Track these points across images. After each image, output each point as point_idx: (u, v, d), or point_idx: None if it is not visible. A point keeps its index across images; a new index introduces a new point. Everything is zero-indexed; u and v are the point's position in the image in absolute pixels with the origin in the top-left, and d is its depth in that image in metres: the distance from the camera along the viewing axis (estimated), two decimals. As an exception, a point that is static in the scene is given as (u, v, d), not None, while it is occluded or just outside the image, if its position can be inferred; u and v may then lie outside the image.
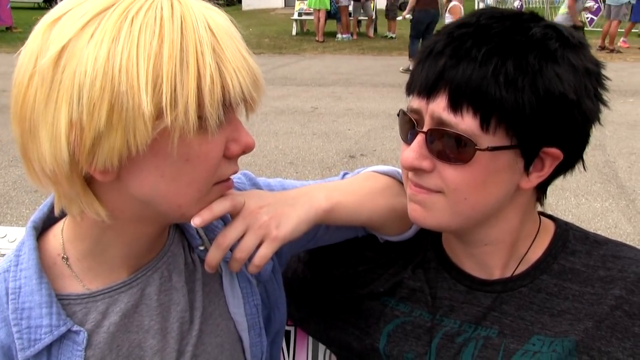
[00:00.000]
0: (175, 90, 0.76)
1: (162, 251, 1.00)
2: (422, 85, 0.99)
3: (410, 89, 1.04)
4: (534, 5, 22.05)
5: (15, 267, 0.93)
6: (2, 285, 0.92)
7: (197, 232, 1.04)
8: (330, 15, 17.16)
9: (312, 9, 17.10)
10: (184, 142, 0.80)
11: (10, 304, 0.90)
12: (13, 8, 19.54)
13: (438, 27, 1.13)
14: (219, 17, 0.83)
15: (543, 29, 0.97)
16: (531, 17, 1.01)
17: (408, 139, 1.05)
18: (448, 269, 1.17)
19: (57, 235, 0.97)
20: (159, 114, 0.76)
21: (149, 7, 0.77)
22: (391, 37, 17.10)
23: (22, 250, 0.94)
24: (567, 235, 1.13)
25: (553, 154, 1.00)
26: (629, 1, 13.39)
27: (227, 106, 0.82)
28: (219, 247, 0.94)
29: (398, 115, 1.08)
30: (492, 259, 1.11)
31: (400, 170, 1.13)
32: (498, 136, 0.96)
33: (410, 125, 1.03)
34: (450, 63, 0.96)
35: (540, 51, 0.95)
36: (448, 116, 0.96)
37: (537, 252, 1.11)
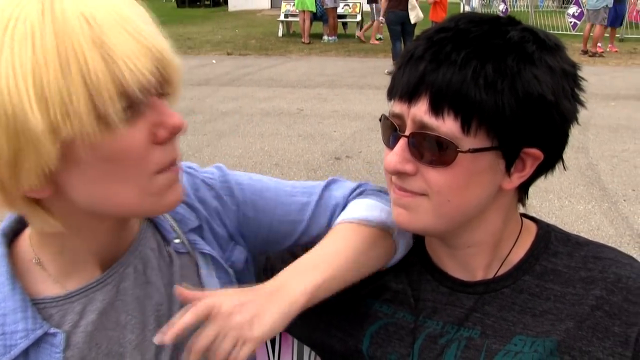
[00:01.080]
0: (62, 98, 0.72)
1: (133, 246, 0.99)
2: (403, 89, 1.01)
3: (391, 94, 1.05)
4: (518, 9, 22.27)
5: None
6: None
7: (171, 225, 1.04)
8: (315, 17, 17.20)
9: (298, 11, 17.13)
10: (96, 145, 0.76)
11: None
12: None
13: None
14: (103, 4, 0.76)
15: (520, 32, 0.99)
16: (509, 21, 1.03)
17: (390, 143, 1.06)
18: (431, 271, 1.18)
19: (27, 240, 0.96)
20: (54, 128, 0.73)
21: (18, 17, 0.72)
22: (379, 38, 17.16)
23: None
24: (549, 236, 1.15)
25: (533, 155, 1.02)
26: (607, 5, 13.55)
27: (132, 96, 0.76)
28: (195, 353, 0.88)
29: (380, 120, 1.09)
30: (474, 261, 1.13)
31: (389, 209, 1.12)
32: (479, 138, 0.97)
33: (392, 129, 1.04)
34: (430, 67, 0.97)
35: (518, 54, 0.97)
36: (429, 119, 0.97)
37: (519, 253, 1.13)
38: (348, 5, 18.33)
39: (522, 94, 0.95)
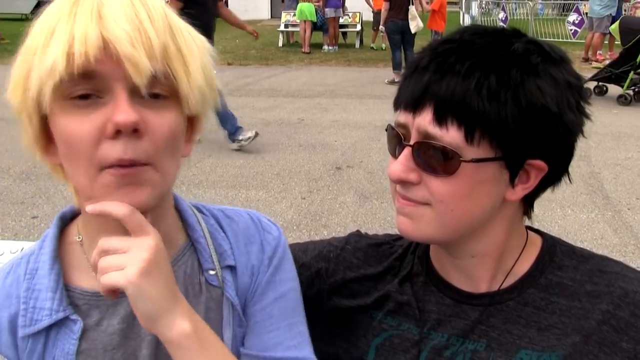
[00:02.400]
0: (30, 72, 0.84)
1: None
2: (408, 100, 1.02)
3: (397, 104, 1.06)
4: (518, 17, 22.32)
5: (39, 251, 1.00)
6: (24, 266, 1.00)
7: (212, 256, 1.05)
8: (316, 27, 17.27)
9: (298, 21, 17.19)
10: (56, 123, 0.85)
11: (25, 283, 0.97)
12: (0, 19, 19.45)
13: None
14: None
15: (525, 44, 1.00)
16: (513, 33, 1.04)
17: (395, 152, 1.07)
18: (435, 282, 1.17)
19: (76, 223, 1.04)
20: (36, 100, 0.85)
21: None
22: (381, 49, 17.21)
23: (47, 237, 1.02)
24: (554, 249, 1.14)
25: (537, 166, 1.02)
26: (610, 14, 13.60)
27: (81, 80, 0.82)
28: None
29: (386, 130, 1.10)
30: (479, 272, 1.12)
31: None
32: (482, 148, 0.98)
33: (397, 139, 1.05)
34: (434, 78, 0.98)
35: (522, 65, 0.97)
36: (433, 129, 0.98)
37: (524, 265, 1.12)
38: (348, 15, 18.40)
39: (525, 105, 0.96)
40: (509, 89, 0.95)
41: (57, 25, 0.83)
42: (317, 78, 12.96)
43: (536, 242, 1.16)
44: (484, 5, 23.89)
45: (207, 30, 6.85)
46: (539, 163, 1.02)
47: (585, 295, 1.07)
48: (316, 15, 16.87)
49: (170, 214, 1.05)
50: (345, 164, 7.02)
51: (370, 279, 1.22)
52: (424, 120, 0.99)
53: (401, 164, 1.02)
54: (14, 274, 1.00)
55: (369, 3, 18.13)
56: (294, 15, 17.60)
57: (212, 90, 0.95)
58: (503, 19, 20.65)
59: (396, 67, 12.13)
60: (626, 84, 9.96)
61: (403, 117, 1.03)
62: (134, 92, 0.84)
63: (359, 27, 18.48)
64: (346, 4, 18.00)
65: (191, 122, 0.98)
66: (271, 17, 26.48)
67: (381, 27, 13.08)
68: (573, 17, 18.58)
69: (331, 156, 7.33)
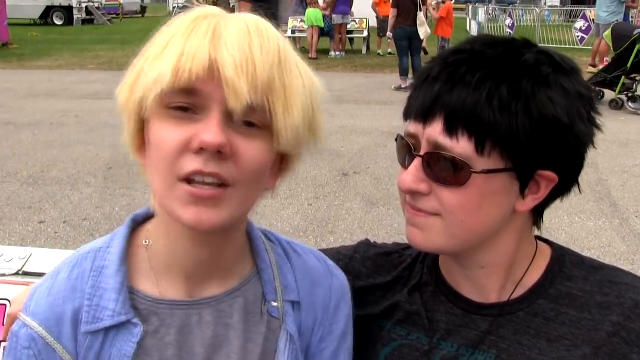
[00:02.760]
0: (139, 76, 0.88)
1: (230, 290, 1.02)
2: (418, 110, 1.02)
3: (407, 114, 1.06)
4: (525, 24, 22.32)
5: (106, 249, 1.01)
6: (91, 261, 1.00)
7: (276, 288, 1.05)
8: (323, 32, 17.32)
9: (305, 27, 17.24)
10: (151, 127, 0.88)
11: (91, 280, 0.98)
12: (10, 24, 19.61)
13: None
14: (239, 27, 0.87)
15: (536, 54, 1.00)
16: (524, 44, 1.03)
17: (405, 163, 1.06)
18: (445, 292, 1.17)
19: (147, 226, 1.05)
20: (137, 102, 0.88)
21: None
22: (389, 53, 17.23)
23: (116, 236, 1.03)
24: (563, 259, 1.14)
25: (548, 177, 1.02)
26: (617, 20, 13.57)
27: (182, 94, 0.84)
28: None
29: (396, 140, 1.10)
30: (488, 282, 1.12)
31: None
32: (493, 159, 0.98)
33: (407, 149, 1.05)
34: (445, 88, 0.98)
35: (533, 76, 0.97)
36: (444, 140, 0.98)
37: (533, 276, 1.12)
38: (355, 21, 18.44)
39: (536, 116, 0.95)
40: (520, 100, 0.95)
41: (173, 39, 0.86)
42: (324, 84, 12.96)
43: (545, 252, 1.15)
44: (490, 12, 23.91)
45: None
46: (550, 174, 1.02)
47: (595, 306, 1.06)
48: (324, 21, 16.92)
49: (240, 238, 1.04)
50: (352, 170, 7.02)
51: (380, 288, 1.22)
52: (435, 131, 0.99)
53: (411, 175, 1.02)
54: (80, 268, 1.00)
55: (375, 10, 18.16)
56: (301, 21, 17.65)
57: (311, 132, 0.95)
58: (510, 25, 20.65)
59: (403, 73, 12.13)
60: (618, 89, 10.13)
61: (413, 127, 1.03)
62: (228, 116, 0.85)
63: (365, 33, 18.51)
64: (353, 10, 18.04)
65: (282, 159, 0.98)
66: (278, 24, 26.55)
67: (389, 34, 13.10)
68: (580, 23, 18.57)
69: (338, 162, 7.33)
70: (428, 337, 1.14)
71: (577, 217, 5.51)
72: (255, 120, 0.86)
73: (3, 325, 1.25)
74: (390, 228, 5.23)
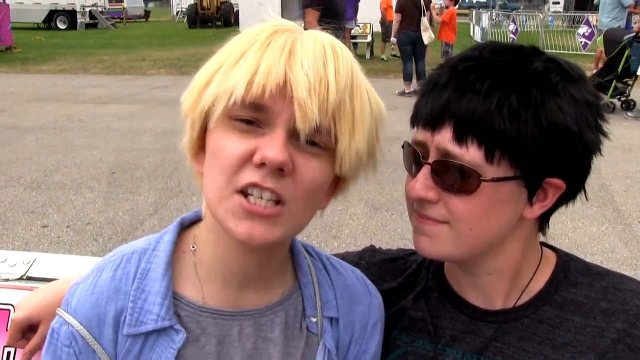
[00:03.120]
0: (208, 85, 0.87)
1: (272, 303, 1.01)
2: (427, 118, 1.01)
3: (415, 122, 1.06)
4: (529, 30, 22.32)
5: (152, 252, 1.00)
6: (135, 263, 0.99)
7: (316, 304, 1.05)
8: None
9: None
10: (213, 136, 0.88)
11: (136, 282, 0.97)
12: (13, 29, 19.69)
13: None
14: (315, 42, 0.86)
15: (544, 62, 1.00)
16: (533, 51, 1.03)
17: (413, 170, 1.06)
18: (450, 298, 1.17)
19: (195, 230, 1.04)
20: (204, 108, 0.87)
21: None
22: (395, 56, 17.22)
23: (163, 239, 1.02)
24: (568, 266, 1.13)
25: (556, 185, 1.02)
26: (620, 26, 13.56)
27: (251, 108, 0.83)
28: None
29: (403, 147, 1.10)
30: (494, 289, 1.12)
31: None
32: (502, 167, 0.98)
33: (415, 157, 1.05)
34: (454, 96, 0.98)
35: (543, 84, 0.97)
36: (453, 148, 0.98)
37: (539, 283, 1.12)
38: (359, 26, 18.46)
39: (546, 125, 0.95)
40: (529, 109, 0.95)
41: (249, 51, 0.85)
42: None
43: (551, 259, 1.15)
44: (494, 18, 23.93)
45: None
46: (558, 182, 1.02)
47: (600, 313, 1.06)
48: (329, 24, 16.93)
49: (286, 251, 1.04)
50: (355, 175, 7.01)
51: (385, 295, 1.22)
52: (444, 139, 0.99)
53: (420, 183, 1.02)
54: (124, 269, 0.99)
55: (383, 15, 18.16)
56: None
57: (371, 158, 0.94)
58: (513, 31, 20.65)
59: (407, 78, 12.14)
60: (610, 93, 10.25)
61: (421, 134, 1.03)
62: (293, 135, 0.84)
63: (369, 39, 18.53)
64: (357, 15, 18.07)
65: (339, 180, 0.96)
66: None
67: (393, 39, 13.10)
68: (583, 29, 18.57)
69: (341, 167, 7.32)
70: (433, 343, 1.14)
71: (580, 222, 5.50)
72: (319, 141, 0.86)
73: (7, 330, 1.25)
74: (394, 233, 5.23)
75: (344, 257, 1.32)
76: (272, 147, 0.82)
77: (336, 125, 0.85)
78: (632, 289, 1.08)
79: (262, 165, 0.82)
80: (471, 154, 0.97)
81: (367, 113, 0.89)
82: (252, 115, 0.84)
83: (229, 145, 0.85)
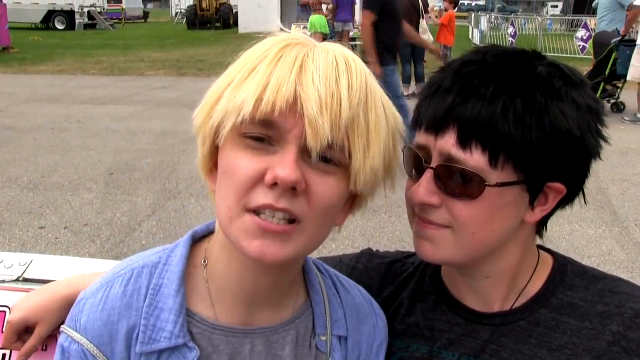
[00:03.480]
0: (218, 101, 0.85)
1: (284, 321, 1.01)
2: (430, 121, 1.01)
3: (416, 125, 1.05)
4: (527, 33, 22.36)
5: (164, 267, 0.98)
6: (147, 278, 0.97)
7: (326, 322, 1.04)
8: (325, 39, 17.34)
9: (309, 33, 17.26)
10: (223, 153, 0.86)
11: (148, 298, 0.95)
12: (11, 29, 19.67)
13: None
14: (327, 59, 0.84)
15: (547, 67, 1.01)
16: (535, 56, 1.04)
17: (414, 174, 1.06)
18: (447, 301, 1.17)
19: (205, 244, 1.02)
20: (213, 124, 0.86)
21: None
22: None
23: (174, 253, 0.99)
24: (565, 269, 1.14)
25: (557, 189, 1.03)
26: (617, 28, 13.59)
27: (261, 125, 0.81)
28: None
29: (403, 150, 1.09)
30: (492, 292, 1.12)
31: None
32: (506, 172, 0.98)
33: (417, 161, 1.04)
34: (458, 100, 0.97)
35: (546, 89, 0.97)
36: (457, 152, 0.97)
37: (536, 285, 1.12)
38: (357, 29, 18.46)
39: (550, 129, 0.96)
40: (534, 114, 0.95)
41: (259, 66, 0.83)
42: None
43: (548, 262, 1.15)
44: (493, 21, 23.97)
45: (392, 47, 6.93)
46: (559, 186, 1.02)
47: (596, 316, 1.06)
48: (328, 27, 16.93)
49: (298, 270, 1.03)
50: (353, 177, 7.00)
51: (384, 301, 1.21)
52: (447, 143, 0.98)
53: (423, 187, 1.01)
54: (135, 285, 0.96)
55: None
56: (305, 27, 17.68)
57: (388, 173, 0.92)
58: (512, 34, 20.68)
59: (406, 80, 12.14)
60: (598, 95, 10.43)
61: (424, 138, 1.02)
62: (305, 152, 0.82)
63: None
64: (355, 18, 18.08)
65: (355, 196, 0.94)
66: (281, 29, 26.65)
67: None
68: (581, 33, 18.59)
69: (339, 169, 7.32)
70: (428, 346, 1.14)
71: (577, 225, 5.51)
72: (332, 158, 0.83)
73: (2, 332, 1.24)
74: (392, 235, 5.23)
75: (341, 259, 1.32)
76: (284, 165, 0.80)
77: (349, 142, 0.83)
78: (627, 292, 1.08)
79: (274, 185, 0.80)
80: (475, 159, 0.97)
81: (382, 128, 0.86)
82: (263, 132, 0.82)
83: (239, 163, 0.83)
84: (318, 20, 16.83)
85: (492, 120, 0.95)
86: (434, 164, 1.01)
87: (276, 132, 0.81)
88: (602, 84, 10.39)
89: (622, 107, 10.54)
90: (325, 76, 0.81)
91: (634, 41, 9.79)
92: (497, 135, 0.95)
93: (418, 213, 1.05)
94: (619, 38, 10.32)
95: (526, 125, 0.95)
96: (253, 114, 0.80)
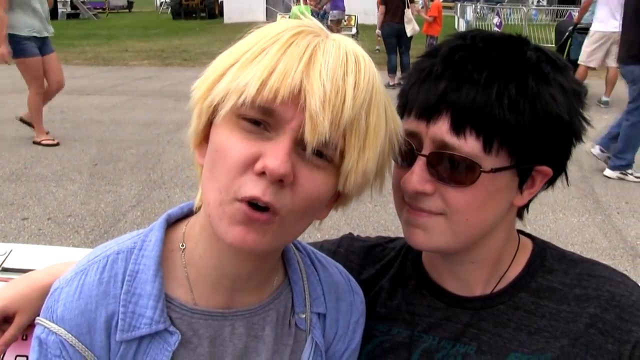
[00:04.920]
0: (220, 78, 0.83)
1: (263, 302, 1.00)
2: (421, 108, 0.99)
3: (404, 111, 1.04)
4: (512, 23, 22.41)
5: (139, 252, 0.96)
6: (122, 264, 0.95)
7: (305, 300, 1.04)
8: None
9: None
10: (217, 130, 0.84)
11: (125, 285, 0.93)
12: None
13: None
14: (338, 54, 0.82)
15: (535, 52, 1.01)
16: (522, 40, 1.04)
17: (403, 162, 1.04)
18: (427, 286, 1.18)
19: (182, 228, 1.00)
20: (207, 98, 0.84)
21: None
22: (377, 50, 17.22)
23: (149, 238, 0.98)
24: (544, 253, 1.15)
25: (544, 172, 1.04)
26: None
27: (260, 111, 0.80)
28: None
29: None
30: (474, 277, 1.13)
31: None
32: (500, 157, 0.98)
33: (406, 148, 1.02)
34: (452, 86, 0.97)
35: (537, 74, 0.98)
36: (451, 139, 0.97)
37: (515, 269, 1.13)
38: (344, 18, 18.41)
39: (542, 114, 0.96)
40: (527, 99, 0.96)
41: (269, 49, 0.81)
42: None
43: (527, 247, 1.16)
44: (478, 11, 24.01)
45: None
46: (546, 169, 1.03)
47: (574, 299, 1.08)
48: (322, 18, 16.82)
49: (278, 254, 1.02)
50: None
51: (364, 283, 1.22)
52: (441, 130, 0.97)
53: (417, 175, 0.99)
54: (111, 271, 0.94)
55: (378, 8, 18.06)
56: (289, 17, 17.57)
57: (379, 176, 0.91)
58: (497, 24, 20.73)
59: (391, 70, 12.15)
60: None
61: (414, 124, 1.01)
62: (299, 144, 0.81)
63: (354, 30, 18.49)
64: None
65: (340, 194, 0.92)
66: (267, 19, 26.50)
67: (377, 31, 13.09)
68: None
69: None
70: (409, 329, 1.15)
71: (561, 213, 5.56)
72: (326, 154, 0.82)
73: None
74: (377, 224, 5.24)
75: (322, 245, 1.32)
76: (276, 156, 0.79)
77: (345, 142, 0.81)
78: (604, 275, 1.10)
79: (262, 174, 0.79)
80: (469, 145, 0.96)
81: (381, 131, 0.85)
82: (261, 117, 0.80)
83: (232, 145, 0.81)
84: (301, 10, 16.38)
85: (486, 106, 0.94)
86: (426, 151, 0.99)
87: (274, 120, 0.80)
88: None
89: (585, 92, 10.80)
90: (333, 71, 0.79)
91: (588, 29, 10.02)
92: (492, 121, 0.95)
93: (409, 201, 1.04)
94: (573, 25, 10.71)
95: (520, 110, 0.95)
96: (255, 98, 0.78)
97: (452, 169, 0.98)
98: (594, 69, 10.23)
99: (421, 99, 0.99)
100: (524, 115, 0.95)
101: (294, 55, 0.79)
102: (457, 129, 0.96)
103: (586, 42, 9.83)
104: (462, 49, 1.00)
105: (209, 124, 0.88)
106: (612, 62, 9.65)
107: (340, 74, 0.80)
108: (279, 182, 0.80)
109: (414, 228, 1.05)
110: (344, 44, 0.84)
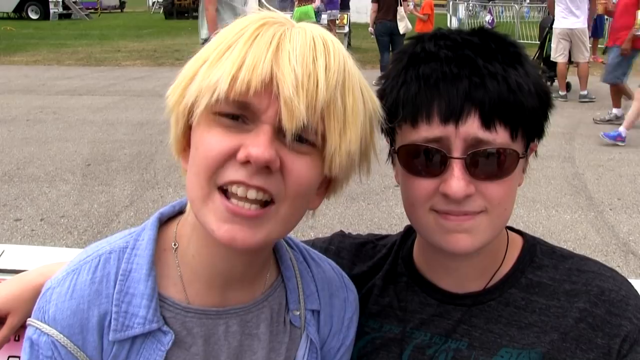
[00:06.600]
0: (192, 80, 0.83)
1: (257, 299, 1.00)
2: (445, 111, 0.97)
3: (419, 119, 0.99)
4: (504, 20, 22.47)
5: (131, 251, 0.95)
6: (115, 264, 0.95)
7: (299, 297, 1.04)
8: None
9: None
10: (196, 131, 0.85)
11: (118, 284, 0.93)
12: (-18, 18, 19.26)
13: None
14: (304, 41, 0.82)
15: (507, 38, 1.05)
16: (488, 30, 1.07)
17: (427, 171, 1.00)
18: (419, 283, 1.18)
19: (174, 226, 1.00)
20: (187, 102, 0.84)
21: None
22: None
23: (141, 237, 0.97)
24: (534, 249, 1.16)
25: (533, 148, 1.09)
26: (594, 18, 13.70)
27: (235, 105, 0.80)
28: None
29: (396, 151, 1.05)
30: (469, 273, 1.13)
31: None
32: (520, 141, 1.02)
33: (432, 156, 0.99)
34: (475, 82, 0.97)
35: (523, 59, 1.03)
36: (484, 134, 0.97)
37: (506, 265, 1.14)
38: (336, 17, 18.39)
39: (542, 94, 1.02)
40: (531, 82, 1.00)
41: (235, 44, 0.81)
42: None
43: (517, 243, 1.17)
44: (470, 8, 24.04)
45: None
46: (535, 144, 1.08)
47: (564, 294, 1.09)
48: (316, 17, 16.73)
49: (270, 250, 1.02)
50: (332, 165, 7.00)
51: (356, 278, 1.22)
52: (472, 128, 0.97)
53: (462, 180, 0.97)
54: (104, 270, 0.94)
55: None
56: (290, 17, 17.47)
57: (364, 158, 0.91)
58: (490, 21, 20.75)
59: (384, 68, 12.14)
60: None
61: (438, 130, 0.98)
62: (279, 132, 0.81)
63: (347, 29, 18.49)
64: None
65: (330, 180, 0.93)
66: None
67: (370, 29, 13.08)
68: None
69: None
70: (400, 326, 1.15)
71: (554, 210, 5.58)
72: (308, 137, 0.82)
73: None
74: (370, 222, 5.25)
75: (314, 242, 1.33)
76: (257, 144, 0.79)
77: (325, 124, 0.82)
78: (594, 270, 1.11)
79: (246, 162, 0.79)
80: (501, 136, 0.98)
81: (359, 111, 0.85)
82: (237, 111, 0.81)
83: (212, 140, 0.82)
84: (304, 10, 15.93)
85: (510, 96, 0.97)
86: (458, 154, 0.98)
87: (250, 112, 0.81)
88: (540, 63, 10.71)
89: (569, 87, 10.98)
90: (302, 56, 0.80)
91: None
92: (517, 109, 0.98)
93: (449, 209, 1.01)
94: (551, 22, 10.86)
95: (531, 93, 0.99)
96: (228, 93, 0.78)
97: (492, 165, 0.99)
98: (573, 64, 10.58)
99: (442, 103, 0.97)
100: (532, 97, 0.99)
101: (261, 46, 0.80)
102: (487, 123, 0.97)
103: (554, 38, 10.32)
104: (465, 46, 1.00)
105: (188, 128, 0.88)
106: (579, 58, 10.17)
107: (310, 59, 0.80)
108: (266, 169, 0.80)
109: (457, 234, 1.02)
110: (310, 30, 0.85)
